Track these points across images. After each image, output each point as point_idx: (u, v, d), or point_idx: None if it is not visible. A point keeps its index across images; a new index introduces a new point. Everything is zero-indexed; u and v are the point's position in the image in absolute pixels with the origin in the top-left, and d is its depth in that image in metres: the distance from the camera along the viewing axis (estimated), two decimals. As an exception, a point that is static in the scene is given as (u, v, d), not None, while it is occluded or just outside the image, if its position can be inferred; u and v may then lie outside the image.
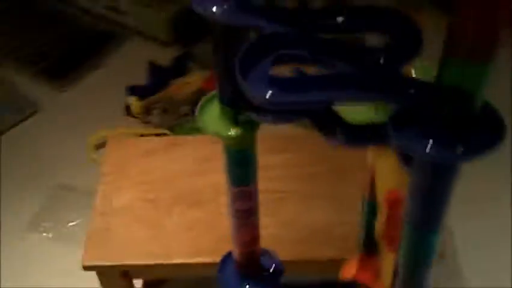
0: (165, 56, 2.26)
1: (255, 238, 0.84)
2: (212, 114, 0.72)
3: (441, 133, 0.49)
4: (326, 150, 1.36)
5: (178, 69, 2.24)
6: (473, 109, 0.48)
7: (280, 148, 1.41)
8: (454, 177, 0.52)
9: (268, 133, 1.43)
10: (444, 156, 0.49)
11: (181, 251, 1.26)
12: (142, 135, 1.95)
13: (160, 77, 2.19)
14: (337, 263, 1.16)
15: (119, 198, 1.34)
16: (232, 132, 0.70)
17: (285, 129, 1.19)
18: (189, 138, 1.51)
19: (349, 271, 1.01)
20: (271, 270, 0.88)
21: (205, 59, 2.26)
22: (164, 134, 1.99)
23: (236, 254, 0.85)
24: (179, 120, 2.07)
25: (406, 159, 0.56)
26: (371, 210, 0.90)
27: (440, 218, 0.56)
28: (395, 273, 0.63)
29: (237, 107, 0.68)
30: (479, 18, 0.42)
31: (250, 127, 0.69)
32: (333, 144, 0.60)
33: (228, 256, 0.87)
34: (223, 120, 0.71)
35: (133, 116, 2.09)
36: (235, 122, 0.70)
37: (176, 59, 2.27)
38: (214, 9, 0.59)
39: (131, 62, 2.28)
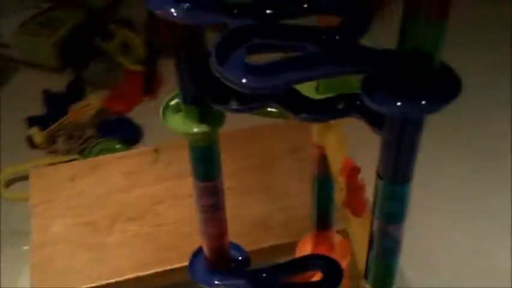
0: (59, 83, 2.23)
1: (222, 232, 0.88)
2: (175, 115, 0.75)
3: (408, 91, 0.56)
4: (253, 145, 1.42)
5: (74, 93, 2.21)
6: (433, 67, 0.55)
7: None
8: (421, 130, 0.59)
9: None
10: (412, 111, 0.56)
11: (125, 267, 1.27)
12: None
13: (57, 104, 2.16)
14: (284, 247, 1.22)
15: (54, 227, 1.33)
16: (197, 129, 0.74)
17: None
18: (111, 156, 1.52)
19: (304, 249, 1.07)
20: (239, 260, 0.92)
21: (99, 79, 2.25)
22: (75, 160, 1.96)
23: (205, 249, 0.89)
24: (85, 144, 2.05)
25: (374, 122, 0.62)
26: (322, 185, 0.97)
27: (411, 168, 0.62)
28: (371, 236, 0.69)
29: (201, 104, 0.72)
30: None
31: (214, 123, 0.73)
32: (301, 120, 0.65)
33: (198, 251, 0.91)
34: (187, 119, 0.74)
35: (38, 147, 2.04)
36: (199, 120, 0.74)
37: (70, 84, 2.25)
38: (172, 10, 0.62)
39: (24, 93, 2.22)
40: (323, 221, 1.02)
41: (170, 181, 1.40)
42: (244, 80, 0.57)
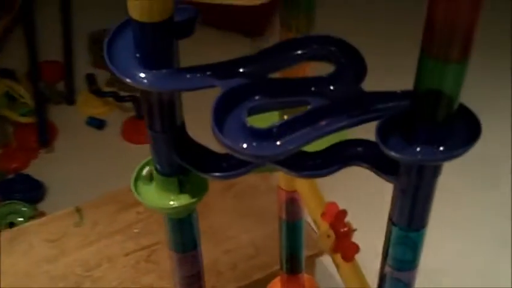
0: None
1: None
2: (148, 186, 0.68)
3: (426, 137, 0.53)
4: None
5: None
6: (452, 109, 0.52)
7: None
8: (439, 175, 0.56)
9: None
10: (431, 158, 0.53)
11: None
12: None
13: None
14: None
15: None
16: (176, 203, 0.67)
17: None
18: (25, 226, 1.39)
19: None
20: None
21: None
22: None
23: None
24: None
25: (385, 170, 0.58)
26: (291, 229, 0.92)
27: (427, 215, 0.60)
28: (381, 281, 0.66)
29: (180, 173, 0.65)
30: (452, 16, 0.46)
31: (196, 194, 0.67)
32: (304, 177, 0.61)
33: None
34: (164, 192, 0.68)
35: None
36: (178, 192, 0.67)
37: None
38: (145, 79, 0.56)
39: None
40: (292, 264, 0.98)
41: (101, 241, 1.30)
42: (250, 150, 0.52)
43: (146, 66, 0.57)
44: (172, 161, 0.65)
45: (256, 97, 0.55)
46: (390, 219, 0.61)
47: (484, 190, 1.73)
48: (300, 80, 0.57)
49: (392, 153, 0.52)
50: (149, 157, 0.68)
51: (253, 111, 0.54)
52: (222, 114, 0.54)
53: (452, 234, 1.61)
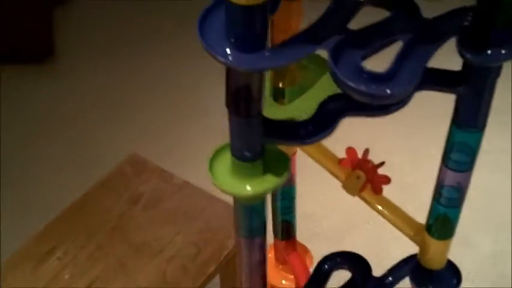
0: None
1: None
2: (224, 169, 0.68)
3: (493, 41, 0.63)
4: (99, 214, 1.30)
5: None
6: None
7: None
8: (499, 75, 0.67)
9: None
10: (499, 58, 0.63)
11: None
12: None
13: None
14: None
15: None
16: (249, 190, 0.69)
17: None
18: None
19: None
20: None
21: None
22: None
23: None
24: None
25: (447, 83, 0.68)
26: (284, 195, 0.97)
27: (487, 115, 0.70)
28: (438, 185, 0.75)
29: (261, 158, 0.67)
30: None
31: (276, 179, 0.69)
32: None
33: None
34: (243, 178, 0.68)
35: None
36: (260, 175, 0.69)
37: None
38: (249, 62, 0.58)
39: None
40: (287, 230, 1.02)
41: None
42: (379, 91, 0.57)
43: (245, 48, 0.58)
44: (258, 144, 0.66)
45: (360, 46, 0.60)
46: (454, 124, 0.70)
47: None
48: (375, 25, 0.63)
49: (473, 59, 0.62)
50: (224, 143, 0.68)
51: (365, 56, 0.59)
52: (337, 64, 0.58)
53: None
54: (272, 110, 0.82)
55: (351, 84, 0.58)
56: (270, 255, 1.10)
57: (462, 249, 1.58)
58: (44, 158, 1.89)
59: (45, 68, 2.13)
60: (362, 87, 0.58)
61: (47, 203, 1.69)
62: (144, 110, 2.04)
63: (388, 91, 0.58)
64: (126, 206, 1.35)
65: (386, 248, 1.61)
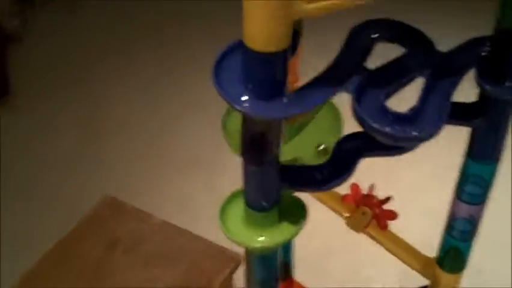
0: None
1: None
2: (236, 219, 0.66)
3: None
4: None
5: None
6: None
7: None
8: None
9: None
10: None
11: None
12: None
13: None
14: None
15: None
16: (260, 242, 0.66)
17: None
18: None
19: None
20: None
21: None
22: None
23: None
24: None
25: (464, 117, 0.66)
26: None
27: (503, 147, 0.69)
28: (450, 218, 0.74)
29: (277, 207, 0.64)
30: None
31: (294, 229, 0.66)
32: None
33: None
34: (252, 227, 0.65)
35: None
36: (276, 224, 0.65)
37: None
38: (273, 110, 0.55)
39: None
40: (285, 269, 0.99)
41: None
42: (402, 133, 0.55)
43: (262, 95, 0.55)
44: (274, 192, 0.63)
45: (381, 85, 0.58)
46: (469, 156, 0.68)
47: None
48: (394, 63, 0.61)
49: (492, 90, 0.60)
50: (234, 191, 0.66)
51: (387, 96, 0.57)
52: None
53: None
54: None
55: (376, 126, 0.56)
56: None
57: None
58: (9, 199, 1.79)
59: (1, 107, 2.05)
60: (387, 129, 0.56)
61: (20, 247, 1.61)
62: (113, 149, 1.96)
63: (414, 133, 0.56)
64: (104, 251, 1.29)
65: (367, 273, 1.59)
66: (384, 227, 0.82)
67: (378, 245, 0.84)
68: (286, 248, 0.96)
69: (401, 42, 0.64)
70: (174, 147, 1.93)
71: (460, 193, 0.73)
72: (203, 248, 1.28)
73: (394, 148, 0.65)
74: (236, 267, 1.28)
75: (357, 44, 0.62)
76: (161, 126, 2.01)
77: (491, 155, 0.69)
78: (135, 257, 1.28)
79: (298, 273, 1.55)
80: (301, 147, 0.79)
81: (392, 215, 0.81)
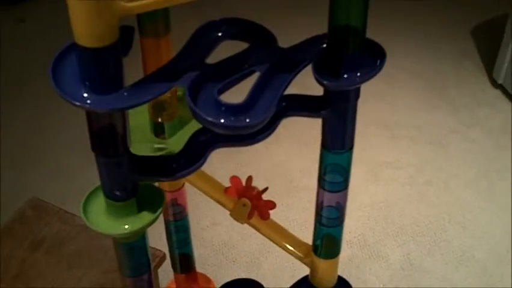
0: None
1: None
2: (99, 210, 0.69)
3: (346, 66, 0.67)
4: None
5: None
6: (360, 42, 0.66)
7: None
8: (358, 98, 0.70)
9: None
10: (353, 82, 0.67)
11: None
12: None
13: None
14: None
15: None
16: (133, 225, 0.70)
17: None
18: None
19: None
20: None
21: None
22: None
23: None
24: None
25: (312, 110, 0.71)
26: (178, 228, 0.98)
27: (353, 136, 0.73)
28: (318, 208, 0.78)
29: (132, 196, 0.68)
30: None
31: (150, 212, 0.70)
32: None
33: None
34: (118, 217, 0.69)
35: None
36: (135, 213, 0.69)
37: None
38: (106, 103, 0.60)
39: None
40: (185, 263, 1.03)
41: None
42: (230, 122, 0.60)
43: (101, 90, 0.59)
44: (128, 183, 0.67)
45: (217, 80, 0.62)
46: (324, 147, 0.73)
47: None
48: (233, 58, 0.65)
49: (330, 85, 0.65)
50: (96, 185, 0.69)
51: (222, 89, 0.62)
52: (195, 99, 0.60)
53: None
54: (152, 146, 0.83)
55: (210, 119, 0.59)
56: (173, 289, 1.10)
57: (373, 263, 1.62)
58: None
59: None
60: (221, 120, 0.60)
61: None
62: (44, 151, 2.00)
63: (247, 120, 0.60)
64: (28, 251, 1.32)
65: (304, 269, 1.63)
66: (265, 217, 0.87)
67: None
68: (184, 240, 1.00)
69: (245, 39, 0.68)
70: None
71: (322, 183, 0.77)
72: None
73: (244, 138, 0.69)
74: (160, 263, 1.32)
75: (200, 42, 0.66)
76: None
77: (343, 144, 0.74)
78: (59, 257, 1.31)
79: (236, 272, 1.59)
80: (180, 143, 0.83)
81: (271, 205, 0.86)
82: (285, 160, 1.96)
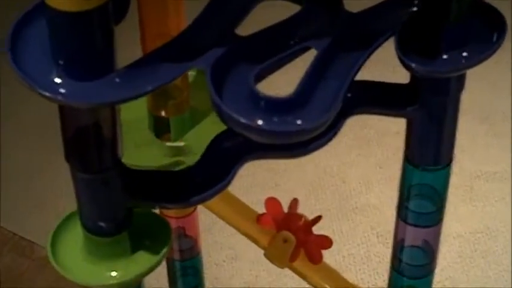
0: None
1: None
2: (73, 248, 0.69)
3: (447, 42, 0.64)
4: None
5: None
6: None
7: None
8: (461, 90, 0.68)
9: None
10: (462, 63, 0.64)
11: None
12: None
13: None
14: None
15: None
16: (114, 277, 0.68)
17: None
18: None
19: None
20: None
21: None
22: None
23: None
24: None
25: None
26: (186, 270, 0.97)
27: (454, 145, 0.71)
28: (395, 249, 0.76)
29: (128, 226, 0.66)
30: None
31: (152, 253, 0.68)
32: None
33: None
34: (95, 258, 0.68)
35: None
36: (128, 253, 0.68)
37: None
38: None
39: None
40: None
41: None
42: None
43: (82, 74, 0.57)
44: (119, 209, 0.65)
45: (252, 61, 0.60)
46: (408, 161, 0.71)
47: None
48: (276, 28, 0.63)
49: (421, 69, 0.62)
50: (69, 212, 0.69)
51: (258, 77, 0.59)
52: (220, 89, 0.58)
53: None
54: (153, 153, 0.82)
55: (243, 120, 0.56)
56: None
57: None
58: None
59: None
60: (259, 122, 0.57)
61: None
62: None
63: (299, 123, 0.58)
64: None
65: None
66: (316, 260, 0.84)
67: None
68: (197, 273, 0.99)
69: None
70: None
71: (404, 214, 0.75)
72: None
73: (291, 147, 0.67)
74: None
75: (228, 2, 0.64)
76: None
77: (439, 157, 0.71)
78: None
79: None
80: (194, 148, 0.81)
81: (326, 243, 0.83)
82: (337, 166, 1.94)
